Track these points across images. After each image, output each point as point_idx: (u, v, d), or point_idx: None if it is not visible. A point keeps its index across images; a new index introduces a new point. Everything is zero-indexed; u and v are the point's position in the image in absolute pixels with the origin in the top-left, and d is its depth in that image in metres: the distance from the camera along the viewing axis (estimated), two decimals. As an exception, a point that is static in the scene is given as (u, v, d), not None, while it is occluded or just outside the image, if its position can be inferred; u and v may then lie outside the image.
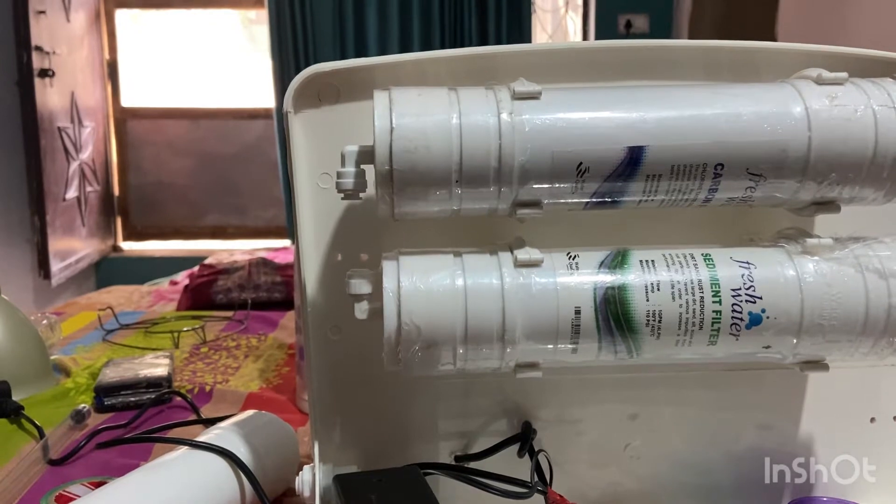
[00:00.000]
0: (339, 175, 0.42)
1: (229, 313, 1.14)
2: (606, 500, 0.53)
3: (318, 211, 0.47)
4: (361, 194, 0.42)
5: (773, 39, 2.00)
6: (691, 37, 2.41)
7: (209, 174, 3.15)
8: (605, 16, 2.74)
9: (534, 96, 0.41)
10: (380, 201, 0.41)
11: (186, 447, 0.52)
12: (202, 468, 0.51)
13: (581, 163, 0.40)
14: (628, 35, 2.66)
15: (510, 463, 0.49)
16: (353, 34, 2.81)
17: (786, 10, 1.94)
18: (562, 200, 0.42)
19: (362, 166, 0.42)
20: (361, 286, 0.42)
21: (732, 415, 0.52)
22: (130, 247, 3.20)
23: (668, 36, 2.61)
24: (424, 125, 0.39)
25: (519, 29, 2.80)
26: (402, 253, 0.42)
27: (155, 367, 0.80)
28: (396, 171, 0.39)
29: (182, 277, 1.95)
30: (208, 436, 0.54)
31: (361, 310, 0.42)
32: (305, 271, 0.47)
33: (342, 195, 0.42)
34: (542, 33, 3.00)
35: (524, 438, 0.49)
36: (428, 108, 0.40)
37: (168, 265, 2.47)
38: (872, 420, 0.52)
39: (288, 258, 1.59)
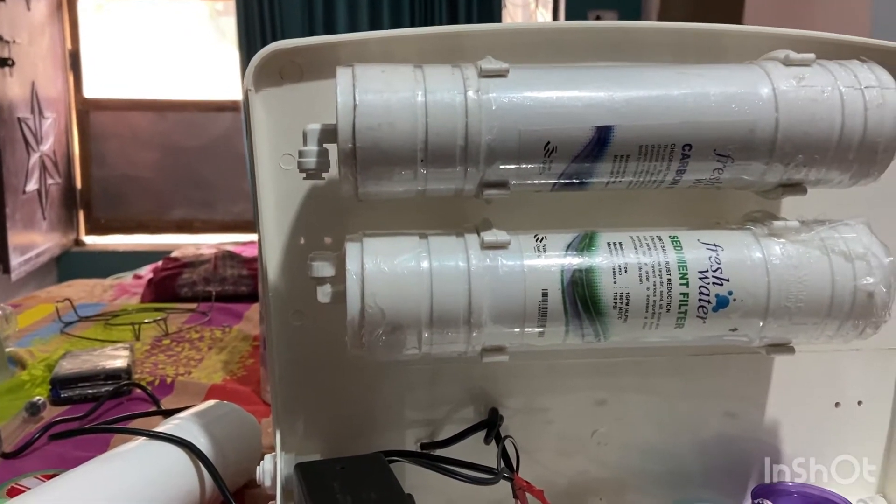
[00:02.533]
0: (300, 154, 0.40)
1: (193, 305, 1.11)
2: (574, 487, 0.53)
3: (280, 193, 0.46)
4: (324, 174, 0.41)
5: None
6: (660, 33, 2.43)
7: (175, 167, 3.08)
8: (575, 11, 2.75)
9: (501, 74, 0.40)
10: (343, 181, 0.39)
11: (144, 438, 0.51)
12: (160, 459, 0.49)
13: (548, 142, 0.39)
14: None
15: (478, 450, 0.48)
16: (322, 28, 2.78)
17: (752, 8, 1.96)
18: (529, 181, 0.41)
19: (325, 145, 0.40)
20: (324, 269, 0.41)
21: (699, 401, 0.52)
22: (93, 241, 3.12)
23: (637, 32, 2.63)
24: (388, 102, 0.38)
25: (489, 21, 2.80)
26: (366, 235, 0.41)
27: (114, 358, 0.78)
28: (359, 149, 0.38)
29: (146, 272, 1.91)
30: (167, 426, 0.53)
31: (324, 293, 0.41)
32: (267, 255, 0.46)
33: (304, 175, 0.41)
34: (512, 28, 3.00)
35: (491, 425, 0.48)
36: (392, 85, 0.39)
37: (133, 260, 2.41)
38: (837, 405, 0.53)
39: (255, 251, 1.57)
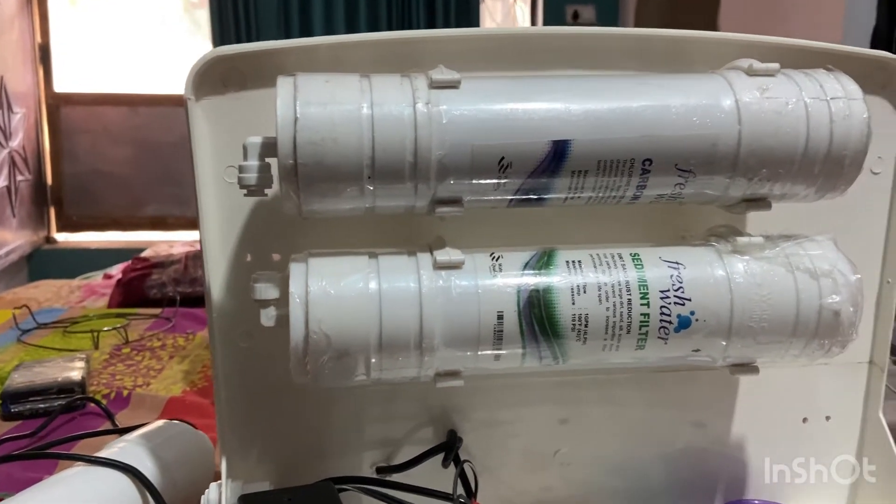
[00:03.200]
0: (241, 169, 0.38)
1: (157, 311, 1.08)
2: (538, 507, 0.51)
3: (224, 207, 0.43)
4: (267, 190, 0.39)
5: (715, 29, 2.02)
6: (637, 27, 2.42)
7: (148, 163, 3.03)
8: (553, 5, 2.73)
9: (453, 85, 0.38)
10: (284, 198, 0.37)
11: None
12: (103, 486, 0.47)
13: (503, 157, 0.37)
14: (575, 25, 2.65)
15: (437, 473, 0.46)
16: (297, 20, 2.73)
17: (727, 8, 1.95)
18: (484, 197, 0.39)
19: (267, 160, 0.38)
20: (268, 291, 0.39)
21: (664, 416, 0.50)
22: (65, 238, 3.06)
23: (614, 26, 2.61)
24: (332, 115, 0.36)
25: (467, 16, 2.77)
26: (312, 255, 0.39)
27: (68, 370, 0.75)
28: (301, 166, 0.36)
29: (116, 271, 1.87)
30: (112, 450, 0.50)
31: (268, 316, 0.39)
32: (210, 274, 0.44)
33: (245, 192, 0.38)
34: (490, 22, 2.97)
35: (449, 448, 0.46)
36: (336, 97, 0.37)
37: (106, 257, 2.37)
38: (805, 420, 0.51)
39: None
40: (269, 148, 0.38)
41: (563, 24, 2.65)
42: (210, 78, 0.42)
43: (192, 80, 0.41)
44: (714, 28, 1.97)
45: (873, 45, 1.46)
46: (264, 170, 0.38)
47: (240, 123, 0.42)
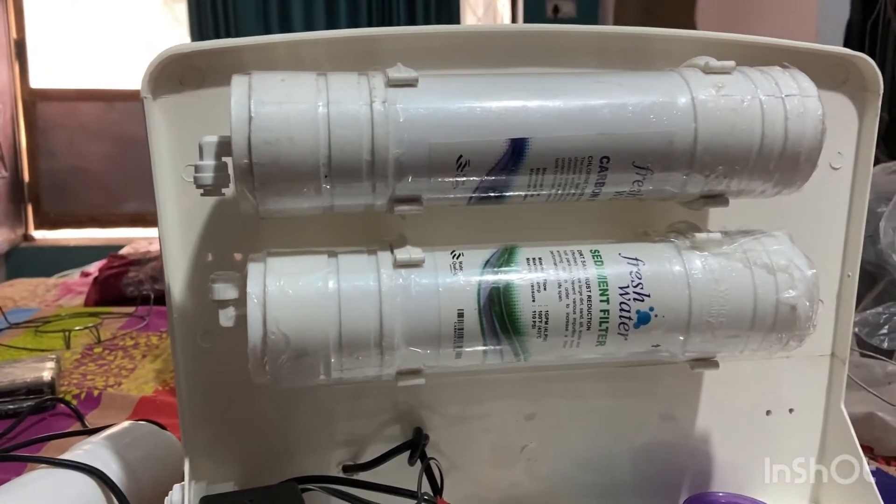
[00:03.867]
0: (196, 169, 0.38)
1: (131, 309, 1.07)
2: (507, 502, 0.51)
3: (183, 206, 0.43)
4: (224, 190, 0.39)
5: (693, 22, 2.03)
6: (616, 22, 2.43)
7: (127, 159, 2.99)
8: (534, 0, 2.72)
9: (410, 83, 0.38)
10: (240, 198, 0.37)
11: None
12: (67, 488, 0.47)
13: (461, 155, 0.37)
14: (556, 20, 2.65)
15: (405, 471, 0.46)
16: (276, 12, 2.71)
17: (703, 4, 1.96)
18: (443, 196, 0.39)
19: (224, 159, 0.38)
20: (226, 291, 0.39)
21: (629, 410, 0.51)
22: (43, 236, 3.03)
23: (594, 21, 2.61)
24: (287, 114, 0.36)
25: (448, 11, 2.76)
26: (271, 254, 0.39)
27: (38, 371, 0.75)
28: (256, 165, 0.36)
29: (94, 269, 1.85)
30: (77, 451, 0.50)
31: (227, 316, 0.39)
32: (170, 273, 0.43)
33: (202, 191, 0.38)
34: (472, 17, 2.96)
35: (415, 445, 0.46)
36: (292, 96, 0.36)
37: (85, 254, 2.34)
38: (768, 413, 0.52)
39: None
40: (225, 147, 0.37)
41: (543, 19, 2.65)
42: (167, 76, 0.41)
43: (147, 78, 0.41)
44: (692, 23, 1.98)
45: (847, 39, 1.47)
46: (221, 169, 0.38)
47: (198, 122, 0.42)
